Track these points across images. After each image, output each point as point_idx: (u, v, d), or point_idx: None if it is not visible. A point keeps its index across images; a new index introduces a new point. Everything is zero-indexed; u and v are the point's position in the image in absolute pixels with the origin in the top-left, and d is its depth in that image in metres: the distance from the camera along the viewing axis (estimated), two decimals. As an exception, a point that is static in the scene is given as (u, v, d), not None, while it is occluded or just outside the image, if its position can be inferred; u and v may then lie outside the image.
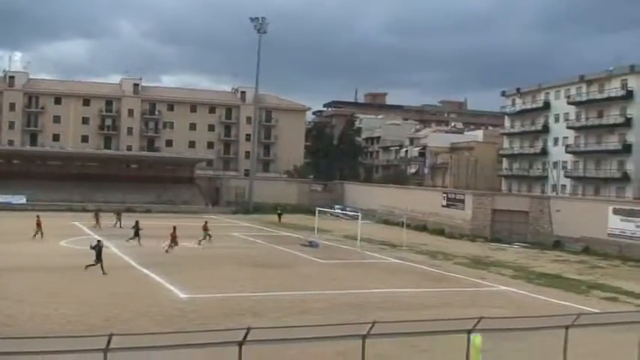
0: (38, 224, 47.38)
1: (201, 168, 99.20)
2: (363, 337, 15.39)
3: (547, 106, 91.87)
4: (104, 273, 32.54)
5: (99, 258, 33.13)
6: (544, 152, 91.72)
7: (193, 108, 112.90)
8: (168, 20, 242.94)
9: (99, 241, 34.85)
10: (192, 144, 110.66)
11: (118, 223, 56.92)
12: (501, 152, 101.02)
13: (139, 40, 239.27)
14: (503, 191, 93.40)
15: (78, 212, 71.26)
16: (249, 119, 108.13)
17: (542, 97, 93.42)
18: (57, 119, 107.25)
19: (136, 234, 45.33)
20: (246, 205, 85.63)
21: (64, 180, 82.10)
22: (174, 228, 43.20)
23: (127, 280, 32.24)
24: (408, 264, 42.39)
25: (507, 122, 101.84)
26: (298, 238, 53.92)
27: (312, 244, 49.25)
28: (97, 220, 57.40)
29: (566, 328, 17.49)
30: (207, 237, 47.44)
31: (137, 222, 46.78)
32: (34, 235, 46.50)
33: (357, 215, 55.56)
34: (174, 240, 42.65)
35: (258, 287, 31.32)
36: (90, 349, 13.52)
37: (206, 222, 49.47)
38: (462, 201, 64.81)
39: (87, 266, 32.94)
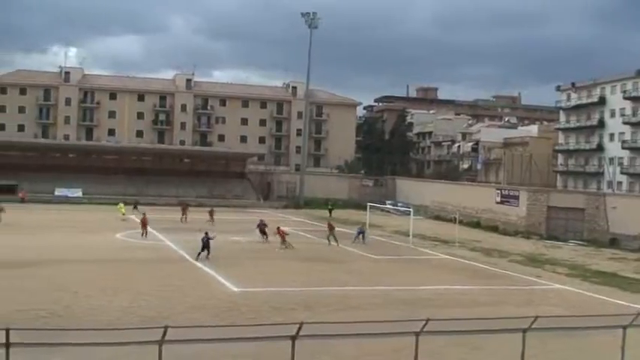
0: (144, 224, 46.39)
1: (253, 163, 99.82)
2: (417, 334, 15.28)
3: (603, 101, 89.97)
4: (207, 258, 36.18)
5: (205, 247, 36.57)
6: (600, 148, 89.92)
7: (245, 103, 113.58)
8: (218, 16, 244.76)
9: (206, 233, 37.83)
10: (243, 139, 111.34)
11: (184, 217, 57.27)
12: (556, 148, 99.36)
13: (190, 35, 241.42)
14: (558, 188, 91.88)
15: (132, 205, 72.31)
16: (300, 114, 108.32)
17: (597, 91, 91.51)
18: (112, 114, 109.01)
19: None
20: (297, 200, 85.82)
21: (118, 174, 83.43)
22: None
23: (182, 273, 32.57)
24: (461, 261, 41.99)
25: (562, 117, 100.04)
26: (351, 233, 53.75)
27: (361, 233, 49.29)
28: (185, 213, 57.76)
29: (624, 327, 17.11)
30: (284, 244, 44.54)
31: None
32: (143, 234, 45.69)
33: (409, 211, 55.23)
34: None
35: (310, 282, 31.38)
36: (145, 340, 13.68)
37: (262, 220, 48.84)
38: (517, 197, 63.89)
39: (197, 255, 36.38)
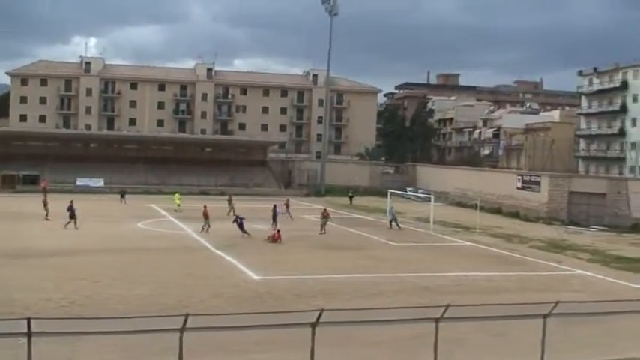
0: (205, 215, 44.55)
1: (274, 151, 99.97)
2: (437, 321, 15.26)
3: (625, 85, 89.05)
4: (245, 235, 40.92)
5: (241, 228, 41.31)
6: (622, 133, 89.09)
7: (265, 91, 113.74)
8: (238, 3, 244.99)
9: (237, 216, 42.82)
10: (264, 127, 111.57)
11: (232, 211, 52.67)
12: (578, 133, 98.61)
13: (210, 24, 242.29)
14: (580, 173, 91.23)
15: (154, 195, 73.06)
16: (320, 102, 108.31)
17: (619, 76, 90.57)
18: (133, 104, 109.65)
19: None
20: (318, 188, 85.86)
21: (140, 163, 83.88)
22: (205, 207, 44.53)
23: (202, 261, 32.76)
24: (483, 247, 41.86)
25: (584, 102, 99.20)
26: (370, 220, 53.78)
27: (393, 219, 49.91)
28: (231, 205, 54.99)
29: (647, 312, 17.02)
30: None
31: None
32: (203, 229, 43.36)
33: (430, 198, 55.10)
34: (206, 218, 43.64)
35: (331, 269, 31.44)
36: (166, 328, 13.78)
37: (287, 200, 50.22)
38: (538, 183, 63.49)
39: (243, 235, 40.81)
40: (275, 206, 48.27)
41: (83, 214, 45.30)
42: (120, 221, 47.90)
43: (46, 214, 47.61)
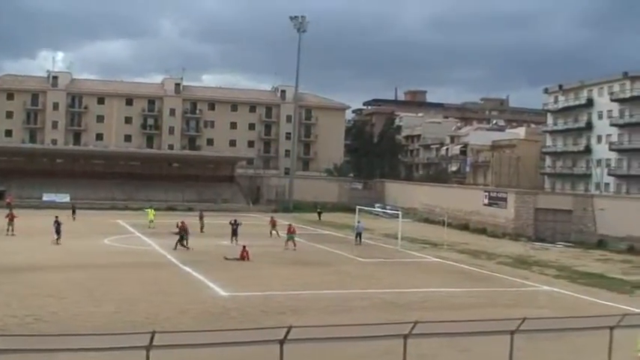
0: (273, 224, 50.20)
1: (242, 167, 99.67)
2: (405, 337, 15.29)
3: (590, 103, 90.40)
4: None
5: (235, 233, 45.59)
6: (588, 150, 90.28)
7: (234, 107, 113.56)
8: (207, 19, 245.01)
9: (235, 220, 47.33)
10: (232, 143, 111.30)
11: (203, 227, 53.33)
12: (544, 150, 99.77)
13: (179, 39, 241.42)
14: (546, 189, 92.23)
15: (121, 210, 72.46)
16: (289, 118, 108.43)
17: (585, 94, 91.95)
18: (100, 119, 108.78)
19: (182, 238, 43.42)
20: (287, 204, 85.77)
21: (107, 179, 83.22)
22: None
23: (170, 277, 32.48)
24: (450, 263, 42.05)
25: (550, 119, 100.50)
26: (339, 236, 53.83)
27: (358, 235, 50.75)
28: (202, 221, 54.29)
29: (611, 328, 17.19)
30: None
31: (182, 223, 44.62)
32: (183, 245, 42.53)
33: (398, 214, 55.28)
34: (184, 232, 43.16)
35: (299, 285, 31.35)
36: (133, 346, 13.63)
37: (290, 225, 48.23)
38: (505, 199, 64.09)
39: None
40: (235, 221, 47.99)
41: (49, 230, 44.71)
42: (86, 237, 47.37)
43: (11, 230, 47.05)
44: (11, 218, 48.02)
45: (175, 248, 41.86)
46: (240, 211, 74.21)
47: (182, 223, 43.75)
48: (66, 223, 47.80)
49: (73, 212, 62.17)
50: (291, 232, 46.09)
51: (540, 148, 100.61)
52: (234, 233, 46.62)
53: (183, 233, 42.83)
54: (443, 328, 17.44)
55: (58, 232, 43.84)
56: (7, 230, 46.92)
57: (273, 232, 51.81)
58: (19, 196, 75.93)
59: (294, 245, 45.02)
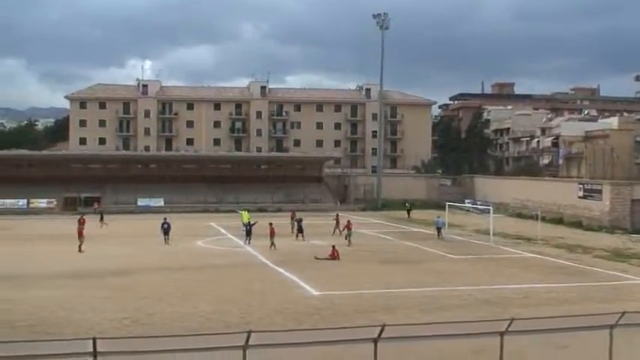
0: (340, 224, 50.52)
1: (329, 166, 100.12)
2: (501, 334, 15.03)
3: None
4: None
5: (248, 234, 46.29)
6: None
7: (319, 107, 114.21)
8: (288, 20, 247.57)
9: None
10: (319, 143, 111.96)
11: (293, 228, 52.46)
12: (638, 139, 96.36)
13: (261, 41, 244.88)
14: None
15: (213, 213, 73.89)
16: (374, 116, 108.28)
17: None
18: (190, 124, 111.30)
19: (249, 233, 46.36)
20: (375, 202, 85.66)
21: (198, 182, 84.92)
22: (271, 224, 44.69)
23: (262, 278, 32.86)
24: (545, 258, 41.13)
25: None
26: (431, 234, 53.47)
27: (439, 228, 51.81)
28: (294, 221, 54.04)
29: None
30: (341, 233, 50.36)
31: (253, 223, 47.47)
32: (271, 246, 43.29)
33: (489, 209, 54.41)
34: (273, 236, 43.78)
35: (390, 284, 31.23)
36: (229, 346, 13.84)
37: (348, 221, 50.36)
38: (600, 191, 62.21)
39: None
40: (295, 216, 52.91)
41: (143, 233, 45.96)
42: (180, 240, 48.40)
43: (79, 245, 42.24)
44: (80, 233, 43.57)
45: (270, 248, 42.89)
46: (328, 210, 74.42)
47: (270, 225, 44.50)
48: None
49: (101, 219, 58.66)
50: (349, 229, 47.68)
51: (634, 137, 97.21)
52: (300, 230, 48.90)
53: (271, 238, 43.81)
54: (540, 324, 17.06)
55: (166, 232, 46.58)
56: (79, 248, 42.02)
57: (337, 230, 52.38)
58: (115, 202, 78.48)
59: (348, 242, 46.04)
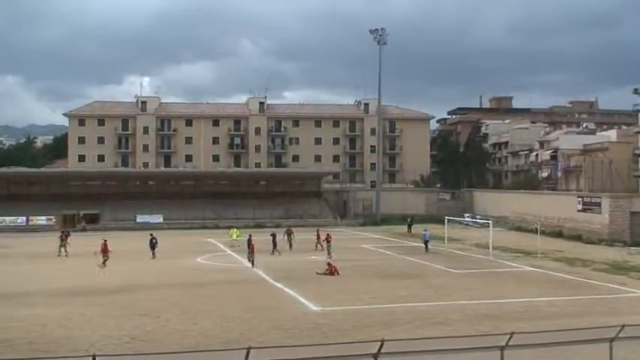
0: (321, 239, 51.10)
1: (328, 181, 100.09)
2: (502, 349, 15.01)
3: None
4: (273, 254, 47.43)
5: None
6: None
7: (318, 123, 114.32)
8: (286, 37, 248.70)
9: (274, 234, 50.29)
10: (317, 158, 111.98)
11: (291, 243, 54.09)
12: (637, 152, 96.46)
13: (260, 58, 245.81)
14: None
15: (212, 229, 73.77)
16: (373, 131, 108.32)
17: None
18: (189, 140, 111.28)
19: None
20: (374, 217, 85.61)
21: (197, 199, 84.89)
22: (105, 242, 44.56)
23: (262, 294, 32.83)
24: (544, 272, 41.07)
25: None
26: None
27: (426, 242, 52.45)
28: (290, 237, 54.82)
29: None
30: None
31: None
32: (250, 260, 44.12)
33: (488, 223, 54.41)
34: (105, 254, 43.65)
35: (390, 299, 31.17)
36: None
37: (327, 234, 51.38)
38: (599, 204, 62.21)
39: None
40: (289, 230, 54.55)
41: (142, 250, 45.92)
42: (179, 256, 48.36)
43: (65, 252, 49.33)
44: (63, 238, 50.32)
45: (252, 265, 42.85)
46: (327, 225, 74.37)
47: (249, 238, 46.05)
48: (167, 243, 49.64)
49: (84, 229, 61.96)
50: (328, 242, 48.99)
51: (633, 150, 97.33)
52: (275, 245, 49.80)
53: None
54: (540, 338, 17.07)
55: (153, 247, 47.62)
56: (59, 251, 49.21)
57: (318, 244, 53.03)
58: (114, 219, 78.44)
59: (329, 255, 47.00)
